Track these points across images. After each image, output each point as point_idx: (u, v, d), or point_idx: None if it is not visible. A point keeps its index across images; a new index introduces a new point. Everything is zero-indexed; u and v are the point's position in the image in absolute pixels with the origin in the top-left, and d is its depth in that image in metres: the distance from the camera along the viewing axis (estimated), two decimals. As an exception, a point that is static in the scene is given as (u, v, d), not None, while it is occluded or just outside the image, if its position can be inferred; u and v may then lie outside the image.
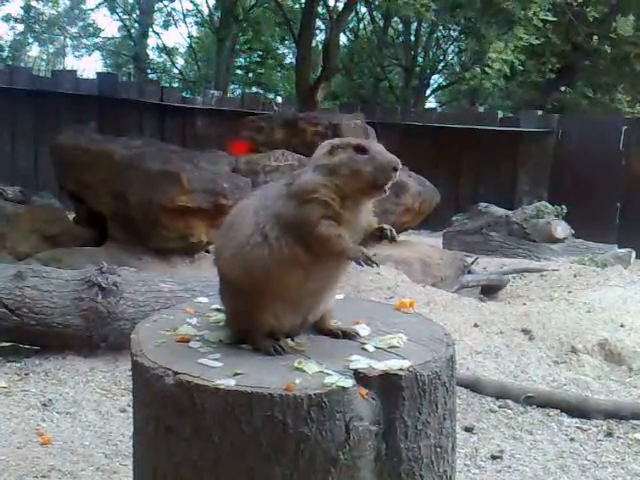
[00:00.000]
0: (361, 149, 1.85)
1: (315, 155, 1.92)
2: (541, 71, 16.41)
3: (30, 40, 25.04)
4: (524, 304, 6.42)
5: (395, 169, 1.83)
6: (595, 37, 15.11)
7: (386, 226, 1.90)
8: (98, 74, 16.11)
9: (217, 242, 2.09)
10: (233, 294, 1.97)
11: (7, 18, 22.51)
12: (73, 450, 3.22)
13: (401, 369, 1.74)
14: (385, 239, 1.90)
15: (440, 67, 20.59)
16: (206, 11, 22.18)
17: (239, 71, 24.31)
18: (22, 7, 21.90)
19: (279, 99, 20.61)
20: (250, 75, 24.02)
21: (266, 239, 1.84)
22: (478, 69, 11.74)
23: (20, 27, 23.43)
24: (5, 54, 23.21)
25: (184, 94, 16.31)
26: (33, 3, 22.57)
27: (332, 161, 1.85)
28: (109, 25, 34.39)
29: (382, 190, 1.84)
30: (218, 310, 2.16)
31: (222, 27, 19.27)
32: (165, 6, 22.81)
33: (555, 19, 12.16)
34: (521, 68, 14.54)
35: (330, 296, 2.01)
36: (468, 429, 3.64)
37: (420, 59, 19.76)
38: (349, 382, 1.69)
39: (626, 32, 12.88)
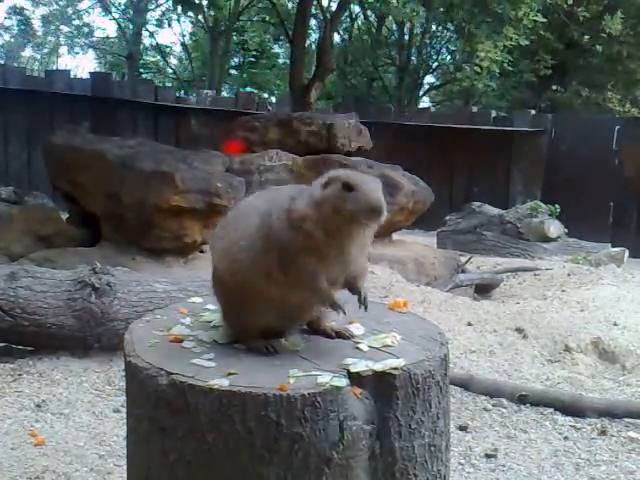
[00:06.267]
0: (349, 186, 1.78)
1: (314, 183, 1.88)
2: (535, 69, 16.44)
3: (23, 40, 24.94)
4: (518, 303, 6.43)
5: (378, 213, 1.77)
6: (586, 36, 15.18)
7: (363, 291, 1.89)
8: (91, 74, 16.07)
9: (215, 232, 2.07)
10: (222, 288, 1.99)
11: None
12: (67, 451, 3.20)
13: (395, 368, 1.74)
14: (358, 301, 1.89)
15: (434, 67, 20.62)
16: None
17: (233, 71, 24.28)
18: (10, 7, 21.78)
19: (273, 99, 20.56)
20: (244, 75, 23.99)
21: (253, 248, 1.84)
22: (468, 69, 11.79)
23: (13, 27, 23.35)
24: (-2, 54, 23.14)
25: (178, 94, 16.27)
26: (25, 4, 22.50)
27: (321, 194, 1.81)
28: (103, 24, 34.28)
29: (366, 225, 1.80)
30: (211, 310, 2.16)
31: (215, 26, 19.23)
32: (159, 5, 22.75)
33: (545, 20, 12.23)
34: (510, 68, 14.58)
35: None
36: (462, 428, 3.64)
37: (414, 59, 19.78)
38: (343, 382, 1.68)
39: (615, 30, 12.92)
